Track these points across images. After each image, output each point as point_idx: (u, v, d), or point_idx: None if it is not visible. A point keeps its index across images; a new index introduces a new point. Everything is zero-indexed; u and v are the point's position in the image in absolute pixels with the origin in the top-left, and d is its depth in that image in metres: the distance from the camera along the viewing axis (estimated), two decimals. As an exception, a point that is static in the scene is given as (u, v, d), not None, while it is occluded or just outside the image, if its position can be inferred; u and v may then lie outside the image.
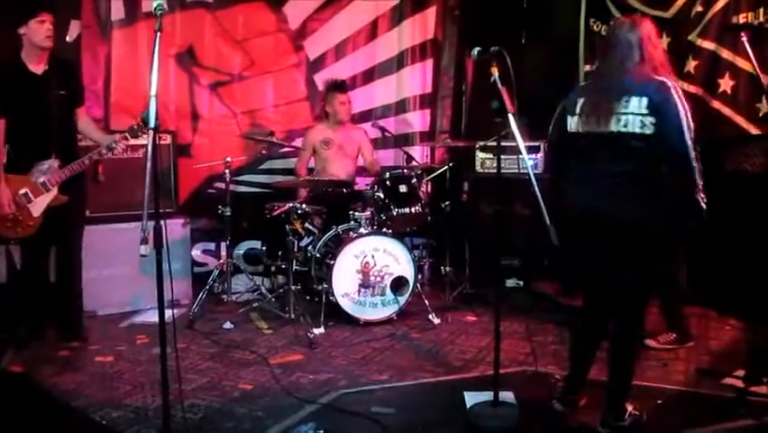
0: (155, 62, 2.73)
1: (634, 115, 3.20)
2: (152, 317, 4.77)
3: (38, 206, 4.39)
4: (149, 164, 2.65)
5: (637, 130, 3.20)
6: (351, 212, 5.42)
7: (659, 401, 3.69)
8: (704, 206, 3.29)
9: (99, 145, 4.56)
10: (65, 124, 4.53)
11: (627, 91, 3.23)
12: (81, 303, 4.87)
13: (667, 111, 3.16)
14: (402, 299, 5.22)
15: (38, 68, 4.39)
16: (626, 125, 3.22)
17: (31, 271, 4.67)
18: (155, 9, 2.81)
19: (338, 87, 6.07)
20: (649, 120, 3.18)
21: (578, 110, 3.43)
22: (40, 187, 4.37)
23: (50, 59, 4.44)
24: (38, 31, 4.29)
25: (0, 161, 4.28)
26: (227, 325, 5.10)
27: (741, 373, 3.89)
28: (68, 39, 5.75)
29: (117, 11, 5.95)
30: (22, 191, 4.35)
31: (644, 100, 3.19)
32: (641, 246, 3.28)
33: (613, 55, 3.36)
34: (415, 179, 5.43)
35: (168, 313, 3.02)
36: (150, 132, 2.70)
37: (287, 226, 5.21)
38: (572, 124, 3.46)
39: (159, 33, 2.76)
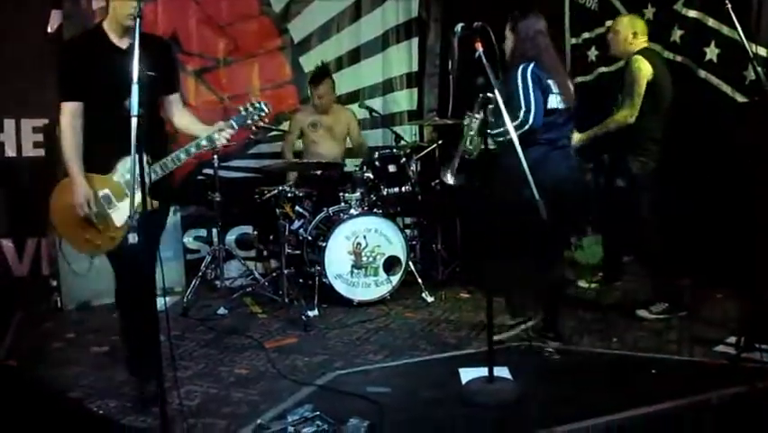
0: (136, 49, 2.71)
1: None
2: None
3: (121, 212, 3.42)
4: (133, 152, 2.62)
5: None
6: (341, 193, 5.42)
7: (653, 371, 3.72)
8: None
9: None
10: (154, 113, 3.57)
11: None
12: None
13: None
14: (395, 279, 5.24)
15: (122, 41, 3.45)
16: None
17: (133, 295, 3.45)
18: None
19: (313, 79, 6.05)
20: None
21: (555, 89, 3.96)
22: (124, 188, 3.43)
23: (141, 34, 3.60)
24: (122, 6, 3.37)
25: (73, 149, 3.39)
26: (221, 310, 5.10)
27: (733, 340, 3.92)
28: (48, 29, 5.72)
29: (98, -1, 5.89)
30: (102, 193, 3.42)
31: None
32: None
33: (547, 40, 4.03)
34: (404, 159, 5.42)
35: (161, 301, 3.02)
36: (134, 119, 2.66)
37: (277, 210, 5.20)
38: (553, 101, 3.96)
39: (138, 20, 2.76)
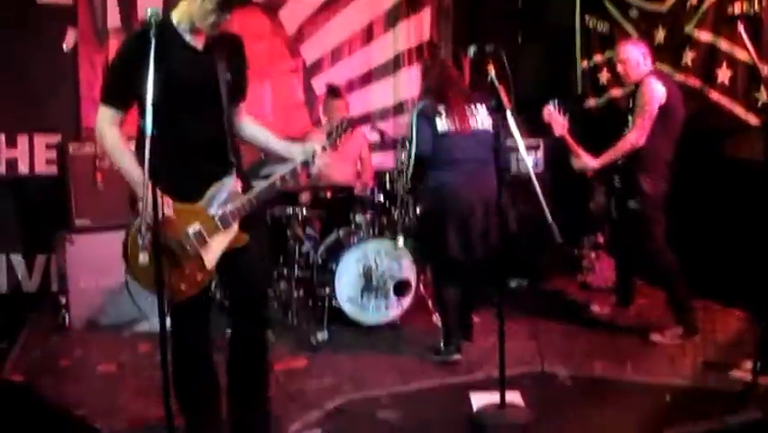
0: (151, 69, 2.61)
1: None
2: (154, 325, 4.76)
3: (213, 250, 2.92)
4: (145, 171, 2.54)
5: None
6: (351, 215, 5.40)
7: (667, 397, 3.66)
8: None
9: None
10: (232, 125, 3.11)
11: None
12: (268, 406, 3.27)
13: None
14: (405, 302, 5.20)
15: (197, 39, 2.94)
16: None
17: (189, 354, 3.15)
18: (150, 16, 2.68)
19: (332, 93, 6.03)
20: None
21: (444, 113, 4.33)
22: (218, 223, 2.91)
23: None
24: (209, 14, 2.84)
25: (119, 152, 2.86)
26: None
27: (748, 364, 3.86)
28: (64, 48, 5.78)
29: (113, 18, 5.96)
30: (193, 228, 2.87)
31: None
32: None
33: (452, 80, 4.46)
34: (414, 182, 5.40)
35: (169, 321, 2.98)
36: (147, 138, 2.57)
37: (288, 231, 5.19)
38: (442, 124, 4.32)
39: (153, 40, 2.65)
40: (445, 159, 4.28)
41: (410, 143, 4.34)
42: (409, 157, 4.36)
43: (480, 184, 4.18)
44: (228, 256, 2.98)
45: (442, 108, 4.29)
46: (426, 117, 4.29)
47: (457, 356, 4.38)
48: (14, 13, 5.57)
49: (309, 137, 5.91)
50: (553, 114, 4.62)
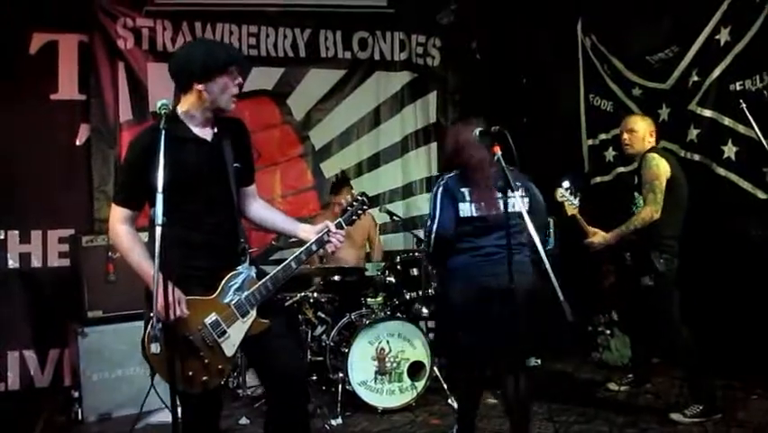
0: (161, 159, 2.66)
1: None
2: (167, 416, 4.70)
3: (233, 340, 2.95)
4: (156, 261, 2.56)
5: None
6: (363, 298, 5.39)
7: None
8: None
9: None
10: (242, 211, 3.21)
11: None
12: None
13: None
14: (420, 385, 5.13)
15: (204, 131, 3.01)
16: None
17: None
18: (159, 108, 2.76)
19: (333, 188, 6.11)
20: None
21: (468, 198, 3.87)
22: (235, 311, 2.96)
23: (217, 119, 3.06)
24: (226, 88, 2.95)
25: (134, 251, 2.90)
26: (243, 420, 5.00)
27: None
28: (77, 142, 5.91)
29: (125, 112, 6.10)
30: (210, 319, 2.92)
31: None
32: None
33: (473, 150, 3.84)
34: (425, 262, 5.41)
35: (180, 411, 2.96)
36: (158, 228, 2.59)
37: (299, 316, 5.18)
38: (466, 209, 3.88)
39: (164, 131, 2.71)
40: (465, 245, 3.91)
41: (432, 221, 3.93)
42: (429, 235, 3.94)
43: (500, 270, 3.72)
44: (254, 343, 3.00)
45: (466, 190, 3.89)
46: (451, 197, 3.90)
47: None
48: (28, 108, 5.72)
49: (318, 219, 6.00)
50: (565, 195, 4.64)
